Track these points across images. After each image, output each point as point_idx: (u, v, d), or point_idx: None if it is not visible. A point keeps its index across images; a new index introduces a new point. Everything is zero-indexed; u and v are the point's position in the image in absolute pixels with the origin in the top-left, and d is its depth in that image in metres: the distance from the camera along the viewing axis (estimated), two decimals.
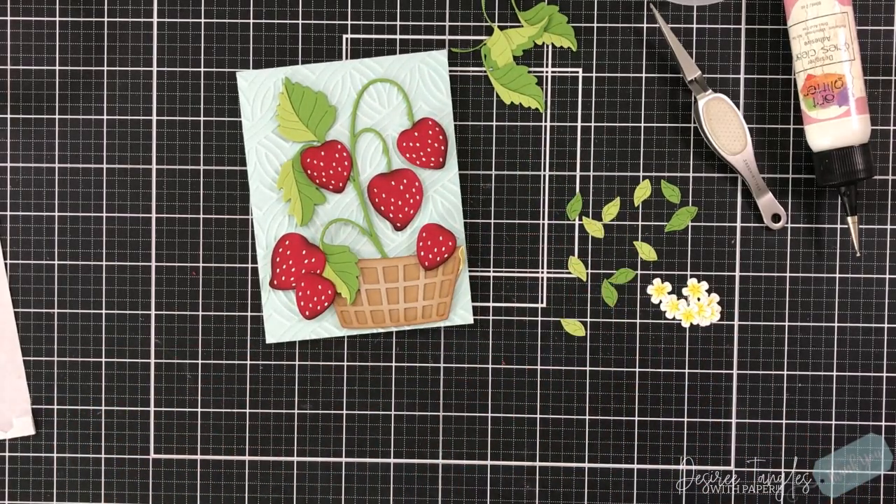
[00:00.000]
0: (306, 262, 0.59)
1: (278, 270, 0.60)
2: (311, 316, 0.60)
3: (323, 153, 0.60)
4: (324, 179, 0.60)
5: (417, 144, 0.59)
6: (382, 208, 0.60)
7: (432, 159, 0.59)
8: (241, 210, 0.61)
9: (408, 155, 0.60)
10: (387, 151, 0.60)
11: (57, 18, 0.61)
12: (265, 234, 0.60)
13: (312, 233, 0.60)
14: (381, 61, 0.60)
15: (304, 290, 0.59)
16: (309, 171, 0.60)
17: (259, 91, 0.60)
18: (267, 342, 0.60)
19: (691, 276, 0.60)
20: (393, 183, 0.60)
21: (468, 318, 0.60)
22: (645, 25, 0.60)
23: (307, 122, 0.60)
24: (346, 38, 0.61)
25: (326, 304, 0.59)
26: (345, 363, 0.61)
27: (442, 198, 0.60)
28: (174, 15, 0.61)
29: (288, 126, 0.60)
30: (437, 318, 0.60)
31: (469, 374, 0.61)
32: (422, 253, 0.59)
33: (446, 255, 0.59)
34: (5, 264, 0.61)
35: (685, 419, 0.60)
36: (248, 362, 0.61)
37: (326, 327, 0.60)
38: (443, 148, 0.59)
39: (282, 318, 0.60)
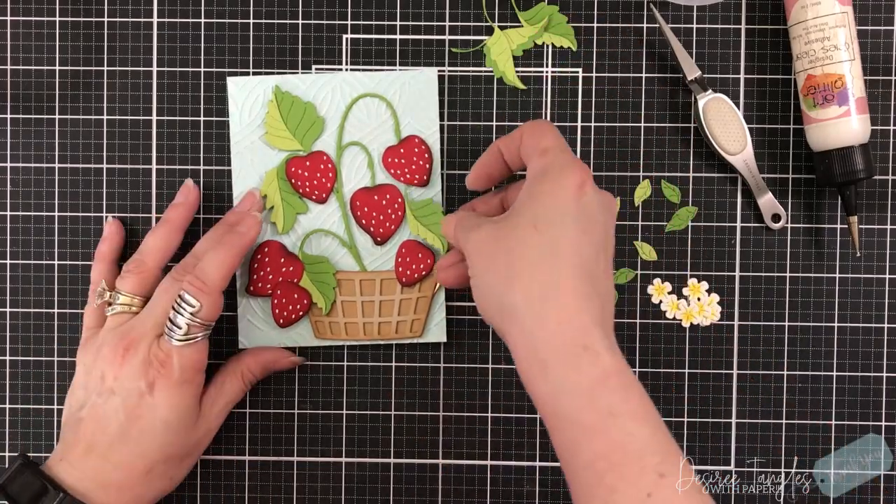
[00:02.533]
0: (284, 270, 0.59)
1: (255, 277, 0.59)
2: (286, 324, 0.59)
3: (308, 163, 0.60)
4: (307, 189, 0.60)
5: (403, 161, 0.59)
6: (364, 222, 0.60)
7: (416, 176, 0.59)
8: None
9: (392, 171, 0.60)
10: (372, 165, 0.60)
11: (57, 18, 0.61)
12: None
13: (292, 241, 0.60)
14: (371, 76, 0.60)
15: (279, 297, 0.59)
16: (293, 180, 0.60)
17: (249, 97, 0.60)
18: (240, 347, 0.60)
19: (691, 276, 0.60)
20: (376, 197, 0.60)
21: (441, 337, 0.60)
22: (645, 25, 0.60)
23: (294, 132, 0.60)
24: (346, 39, 0.61)
25: (301, 313, 0.59)
26: (345, 363, 0.61)
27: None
28: (174, 15, 0.61)
29: (275, 134, 0.60)
30: (412, 335, 0.60)
31: (469, 374, 0.61)
32: (400, 269, 0.59)
33: (424, 273, 0.59)
34: (5, 264, 0.61)
35: (685, 419, 0.60)
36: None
37: (301, 336, 0.60)
38: (427, 166, 0.59)
39: (256, 325, 0.60)
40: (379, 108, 0.60)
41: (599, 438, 0.44)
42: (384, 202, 0.60)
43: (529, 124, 0.52)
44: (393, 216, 0.60)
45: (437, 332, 0.60)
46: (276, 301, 0.59)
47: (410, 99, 0.60)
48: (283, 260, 0.59)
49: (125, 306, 0.55)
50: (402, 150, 0.60)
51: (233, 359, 0.59)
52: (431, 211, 0.59)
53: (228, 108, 0.60)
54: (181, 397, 0.53)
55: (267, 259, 0.59)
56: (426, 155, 0.60)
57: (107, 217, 0.60)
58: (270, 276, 0.59)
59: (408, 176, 0.60)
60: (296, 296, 0.59)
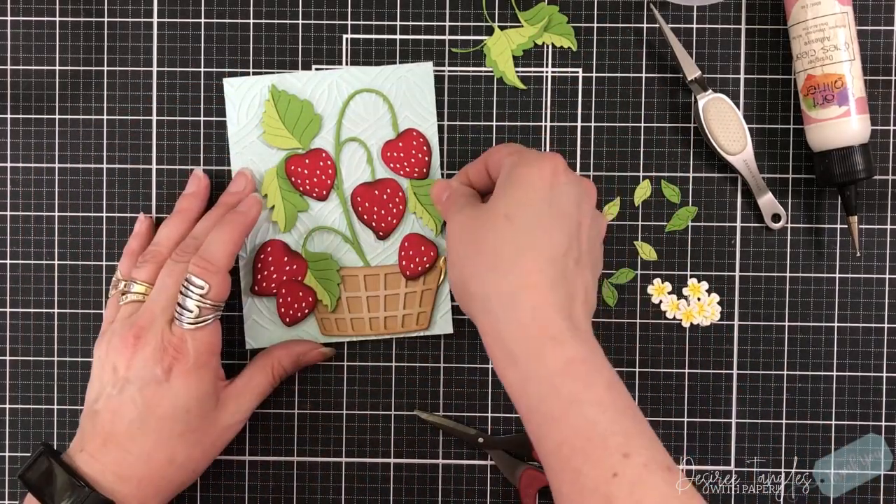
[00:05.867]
0: (288, 268, 0.59)
1: (260, 276, 0.59)
2: (292, 323, 0.59)
3: (307, 161, 0.60)
4: (308, 187, 0.60)
5: (401, 154, 0.59)
6: (365, 217, 0.60)
7: (416, 170, 0.60)
8: None
9: (392, 165, 0.60)
10: (371, 161, 0.60)
11: (57, 18, 0.61)
12: (247, 240, 0.60)
13: (295, 240, 0.60)
14: (367, 71, 0.60)
15: (284, 296, 0.59)
16: (293, 179, 0.60)
17: (245, 97, 0.60)
18: (247, 348, 0.60)
19: (691, 276, 0.60)
20: (376, 192, 0.60)
21: (448, 329, 0.60)
22: (645, 25, 0.60)
23: (292, 130, 0.60)
24: (346, 39, 0.61)
25: (307, 311, 0.59)
26: (345, 363, 0.61)
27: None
28: (174, 15, 0.61)
29: (273, 133, 0.60)
30: (418, 328, 0.60)
31: (469, 374, 0.61)
32: (403, 262, 0.59)
33: (428, 266, 0.59)
34: (5, 264, 0.61)
35: (685, 419, 0.60)
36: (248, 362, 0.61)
37: (307, 334, 0.60)
38: (427, 159, 0.60)
39: (262, 325, 0.60)
40: (376, 102, 0.60)
41: (562, 425, 0.45)
42: (385, 196, 0.60)
43: (494, 148, 0.55)
44: (394, 210, 0.60)
45: (442, 324, 0.60)
46: (281, 300, 0.59)
47: (407, 92, 0.60)
48: (286, 259, 0.59)
49: (138, 294, 0.55)
50: (400, 144, 0.60)
51: (262, 353, 0.58)
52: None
53: (225, 109, 0.60)
54: (199, 382, 0.53)
55: (270, 258, 0.59)
56: (424, 148, 0.60)
57: (140, 215, 0.60)
58: (275, 276, 0.59)
59: (407, 169, 0.60)
60: (301, 294, 0.59)
